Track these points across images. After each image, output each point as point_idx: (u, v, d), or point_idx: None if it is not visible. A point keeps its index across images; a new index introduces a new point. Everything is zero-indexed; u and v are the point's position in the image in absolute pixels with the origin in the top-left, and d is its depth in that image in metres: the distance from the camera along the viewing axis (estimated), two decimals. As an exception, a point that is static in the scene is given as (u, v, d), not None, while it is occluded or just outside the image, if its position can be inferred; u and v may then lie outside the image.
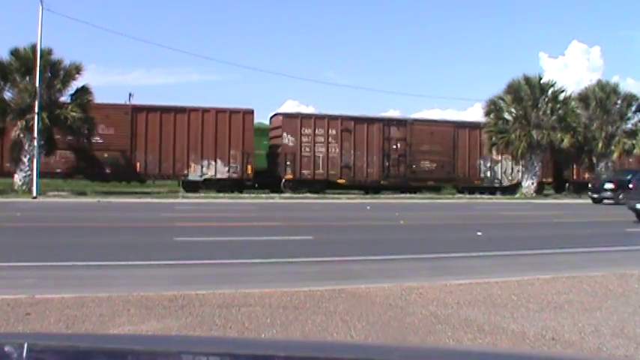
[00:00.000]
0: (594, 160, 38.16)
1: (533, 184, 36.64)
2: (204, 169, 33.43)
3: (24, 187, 28.70)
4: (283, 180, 34.22)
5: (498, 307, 6.88)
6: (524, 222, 20.53)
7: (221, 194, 32.42)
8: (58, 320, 5.90)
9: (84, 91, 30.39)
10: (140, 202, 26.26)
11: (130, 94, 47.53)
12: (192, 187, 33.05)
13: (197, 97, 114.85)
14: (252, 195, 31.80)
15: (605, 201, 30.19)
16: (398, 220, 18.97)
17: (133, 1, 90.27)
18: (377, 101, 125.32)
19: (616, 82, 40.45)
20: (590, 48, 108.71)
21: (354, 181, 35.50)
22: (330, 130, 34.89)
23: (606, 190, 30.75)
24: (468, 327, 5.96)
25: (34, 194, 27.12)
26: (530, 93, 36.30)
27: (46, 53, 28.93)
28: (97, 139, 31.58)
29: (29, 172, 28.63)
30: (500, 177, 38.26)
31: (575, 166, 39.63)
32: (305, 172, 34.49)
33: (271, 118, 37.52)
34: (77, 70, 30.24)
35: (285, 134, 34.38)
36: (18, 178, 29.30)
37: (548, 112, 36.54)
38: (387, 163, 35.91)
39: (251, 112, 34.50)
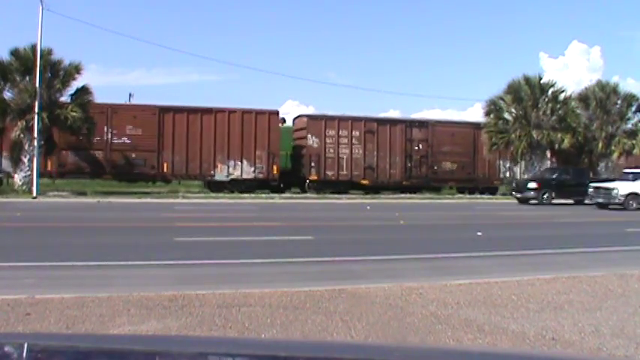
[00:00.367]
0: (594, 160, 38.14)
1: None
2: (230, 169, 33.66)
3: (24, 187, 28.70)
4: (308, 181, 34.64)
5: (498, 307, 6.88)
6: (524, 222, 20.53)
7: (221, 194, 32.45)
8: (58, 320, 5.90)
9: (84, 91, 30.39)
10: (140, 203, 26.26)
11: (130, 94, 47.59)
12: (217, 187, 33.29)
13: (197, 97, 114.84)
14: (252, 195, 31.81)
15: (532, 201, 29.39)
16: (398, 220, 18.97)
17: (133, 1, 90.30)
18: (377, 101, 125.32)
19: (616, 82, 40.38)
20: (590, 48, 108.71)
21: (377, 182, 35.86)
22: (353, 132, 35.33)
23: (529, 189, 30.00)
24: (468, 327, 5.96)
25: (34, 194, 27.13)
26: (530, 93, 36.28)
27: (46, 53, 28.93)
28: (124, 139, 31.96)
29: (29, 172, 28.63)
30: (519, 177, 38.65)
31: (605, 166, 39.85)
32: (329, 173, 34.86)
33: (295, 119, 37.97)
34: (77, 70, 30.23)
35: (309, 135, 34.76)
36: (18, 178, 29.30)
37: (548, 112, 36.51)
38: (409, 164, 36.34)
39: (276, 113, 35.00)
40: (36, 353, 1.96)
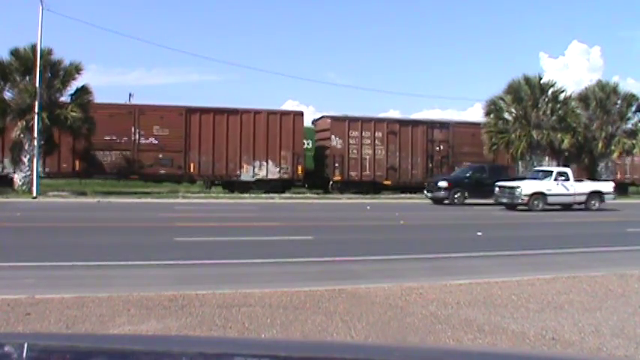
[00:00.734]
0: (594, 160, 38.15)
1: (533, 184, 36.65)
2: (256, 169, 33.90)
3: (24, 187, 28.70)
4: (331, 181, 34.97)
5: (498, 307, 6.88)
6: (524, 222, 20.54)
7: (221, 194, 32.46)
8: (58, 320, 5.90)
9: (84, 91, 30.38)
10: (140, 202, 26.27)
11: (130, 94, 47.61)
12: (242, 187, 33.40)
13: (197, 97, 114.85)
14: (253, 195, 31.82)
15: (445, 201, 27.87)
16: (398, 220, 18.98)
17: (133, 1, 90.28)
18: (377, 101, 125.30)
19: (616, 82, 40.34)
20: (590, 48, 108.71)
21: (399, 182, 36.22)
22: (376, 133, 35.69)
23: (440, 188, 28.27)
24: (468, 327, 5.96)
25: (34, 194, 27.13)
26: (530, 93, 36.27)
27: (46, 53, 28.92)
28: (151, 139, 32.21)
29: (29, 172, 28.63)
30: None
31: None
32: (352, 173, 35.18)
33: (317, 120, 38.25)
34: (77, 70, 30.23)
35: (333, 136, 35.08)
36: (18, 178, 29.30)
37: (548, 112, 36.50)
38: (430, 165, 36.71)
39: (301, 114, 35.31)
40: (36, 353, 1.96)
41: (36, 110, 27.82)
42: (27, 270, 9.29)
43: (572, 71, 77.13)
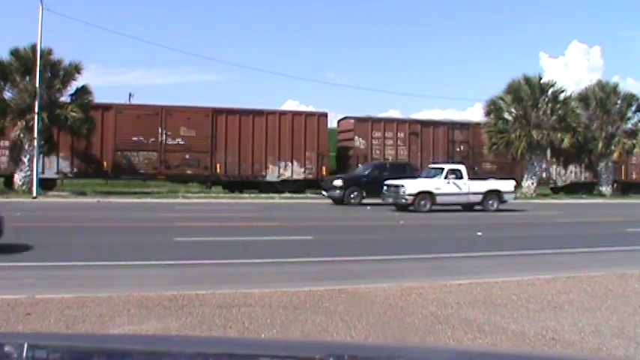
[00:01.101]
0: (594, 160, 38.17)
1: (533, 184, 36.66)
2: (281, 170, 34.16)
3: (24, 187, 28.69)
4: None
5: (498, 307, 6.88)
6: (524, 222, 20.54)
7: (221, 194, 32.46)
8: (58, 320, 5.90)
9: (84, 91, 30.38)
10: (140, 202, 26.26)
11: (130, 94, 47.63)
12: (267, 188, 33.62)
13: (197, 97, 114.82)
14: (252, 195, 31.84)
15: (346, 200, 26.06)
16: (398, 220, 18.97)
17: (133, 1, 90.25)
18: (377, 101, 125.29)
19: (616, 82, 40.41)
20: (590, 48, 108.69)
21: None
22: (398, 133, 36.11)
23: (335, 187, 26.83)
24: (468, 327, 5.96)
25: (34, 194, 27.12)
26: (530, 93, 36.28)
27: (46, 53, 28.91)
28: (178, 140, 32.50)
29: (29, 172, 28.63)
30: (554, 177, 39.61)
31: (623, 167, 39.85)
32: None
33: (340, 121, 38.59)
34: (77, 70, 30.22)
35: (356, 137, 35.49)
36: (18, 178, 29.29)
37: (548, 112, 36.51)
38: None
39: (325, 115, 35.66)
40: (36, 353, 1.96)
41: (36, 110, 27.82)
42: (27, 270, 9.29)
43: (572, 71, 77.16)
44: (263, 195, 32.19)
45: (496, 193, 24.16)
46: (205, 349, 2.10)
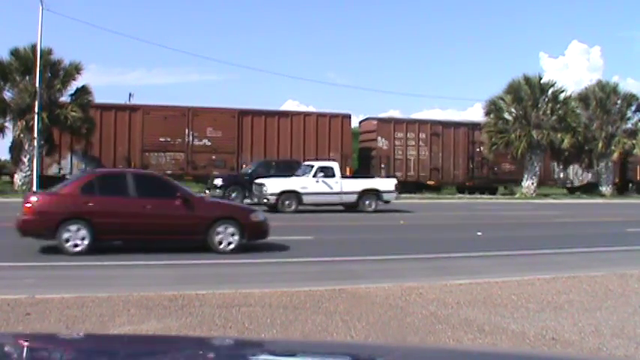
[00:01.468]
0: (594, 160, 38.17)
1: (533, 184, 36.67)
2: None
3: (24, 187, 28.68)
4: None
5: (498, 307, 6.88)
6: (524, 222, 20.53)
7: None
8: (58, 320, 5.90)
9: (84, 91, 30.38)
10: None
11: (130, 94, 47.62)
12: None
13: (197, 97, 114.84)
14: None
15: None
16: (398, 220, 18.97)
17: (133, 1, 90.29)
18: (377, 101, 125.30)
19: (616, 82, 40.45)
20: (590, 48, 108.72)
21: (442, 182, 37.17)
22: (420, 134, 36.55)
23: (215, 187, 25.10)
24: (468, 327, 5.96)
25: (34, 194, 27.10)
26: (530, 93, 36.28)
27: (46, 53, 28.91)
28: (205, 141, 32.82)
29: (29, 172, 28.62)
30: (572, 178, 39.91)
31: (639, 167, 40.16)
32: (398, 174, 35.63)
33: (362, 122, 38.89)
34: (77, 70, 30.22)
35: (379, 138, 35.90)
36: (18, 178, 29.29)
37: (548, 112, 36.52)
38: (471, 165, 37.66)
39: (349, 117, 36.08)
40: (36, 353, 1.96)
41: (36, 110, 27.81)
42: (27, 270, 9.29)
43: (572, 71, 77.19)
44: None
45: (374, 193, 22.48)
46: (205, 349, 2.10)
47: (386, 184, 23.38)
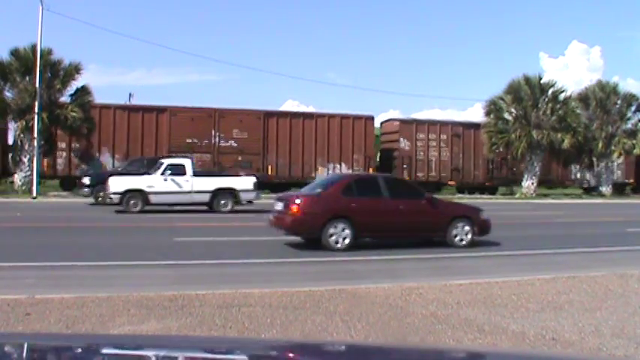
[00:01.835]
0: (594, 160, 38.17)
1: (533, 184, 36.67)
2: (330, 171, 34.82)
3: (24, 188, 28.68)
4: None
5: (498, 307, 6.88)
6: (524, 222, 20.52)
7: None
8: (58, 320, 5.90)
9: (84, 91, 30.38)
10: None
11: (130, 94, 47.66)
12: None
13: (197, 97, 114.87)
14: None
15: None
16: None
17: (133, 1, 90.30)
18: (377, 101, 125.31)
19: (616, 82, 40.41)
20: (590, 48, 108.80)
21: (463, 182, 37.63)
22: (441, 135, 37.10)
23: (84, 185, 23.86)
24: (468, 327, 5.96)
25: (34, 194, 27.11)
26: (530, 93, 36.28)
27: (46, 53, 28.91)
28: (231, 142, 33.24)
29: (29, 173, 28.62)
30: (588, 178, 40.16)
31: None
32: (420, 174, 36.43)
33: (383, 123, 39.27)
34: (77, 70, 30.22)
35: (401, 139, 36.43)
36: (18, 178, 29.29)
37: (548, 112, 36.52)
38: (491, 166, 38.14)
39: (372, 119, 36.58)
40: (36, 353, 1.96)
41: (36, 110, 27.81)
42: (27, 270, 9.29)
43: (572, 71, 77.27)
44: (263, 195, 32.22)
45: (229, 192, 21.25)
46: (205, 349, 2.10)
47: (243, 183, 21.85)
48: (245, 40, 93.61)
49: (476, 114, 67.75)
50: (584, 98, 38.14)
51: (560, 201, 34.03)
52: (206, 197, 20.96)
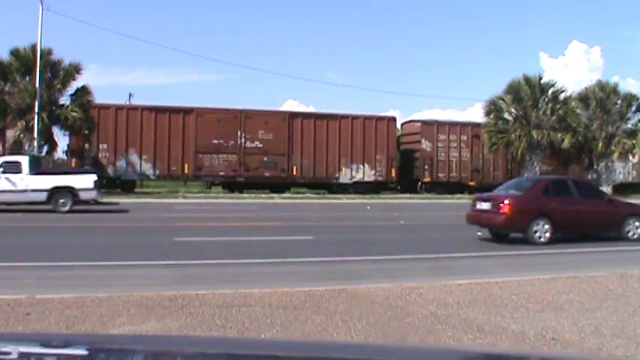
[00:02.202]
0: (594, 160, 38.17)
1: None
2: (353, 172, 35.37)
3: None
4: (420, 182, 36.76)
5: (498, 307, 6.88)
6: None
7: (221, 194, 32.50)
8: (58, 320, 5.90)
9: (84, 91, 30.39)
10: (140, 202, 26.25)
11: (130, 95, 47.71)
12: (340, 189, 34.52)
13: (197, 97, 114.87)
14: (252, 195, 31.89)
15: None
16: (398, 220, 18.97)
17: (133, 1, 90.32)
18: (377, 101, 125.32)
19: (616, 82, 40.40)
20: (590, 48, 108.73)
21: (482, 183, 37.73)
22: (461, 136, 37.58)
23: None
24: (468, 327, 5.96)
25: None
26: (530, 93, 36.28)
27: (46, 53, 28.92)
28: (256, 143, 33.57)
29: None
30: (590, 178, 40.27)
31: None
32: (440, 175, 37.05)
33: (404, 124, 39.67)
34: (77, 70, 30.23)
35: (423, 140, 36.94)
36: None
37: (548, 112, 36.51)
38: (509, 167, 38.50)
39: (394, 120, 37.24)
40: (36, 353, 1.96)
41: (36, 110, 27.81)
42: (27, 270, 9.29)
43: (572, 71, 77.22)
44: (263, 195, 32.29)
45: (68, 191, 20.24)
46: (205, 349, 2.10)
47: (83, 181, 20.67)
48: (245, 40, 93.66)
49: (476, 114, 67.79)
50: (584, 98, 38.13)
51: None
52: (43, 196, 20.07)
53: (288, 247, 12.28)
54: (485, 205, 14.17)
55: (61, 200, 20.18)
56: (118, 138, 31.53)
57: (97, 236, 14.01)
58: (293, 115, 35.03)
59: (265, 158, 33.65)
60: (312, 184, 35.26)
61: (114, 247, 11.90)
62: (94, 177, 21.18)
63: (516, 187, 15.38)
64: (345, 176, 35.20)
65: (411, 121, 39.21)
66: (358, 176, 35.36)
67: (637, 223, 14.61)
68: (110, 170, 31.50)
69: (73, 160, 31.38)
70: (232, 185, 34.00)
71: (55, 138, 30.34)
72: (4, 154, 30.31)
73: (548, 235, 13.33)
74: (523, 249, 12.64)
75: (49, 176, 20.76)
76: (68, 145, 31.90)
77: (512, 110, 37.05)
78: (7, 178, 19.85)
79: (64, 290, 7.29)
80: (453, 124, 38.02)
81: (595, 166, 38.37)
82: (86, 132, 29.94)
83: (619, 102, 38.19)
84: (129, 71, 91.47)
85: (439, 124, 37.68)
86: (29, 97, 28.34)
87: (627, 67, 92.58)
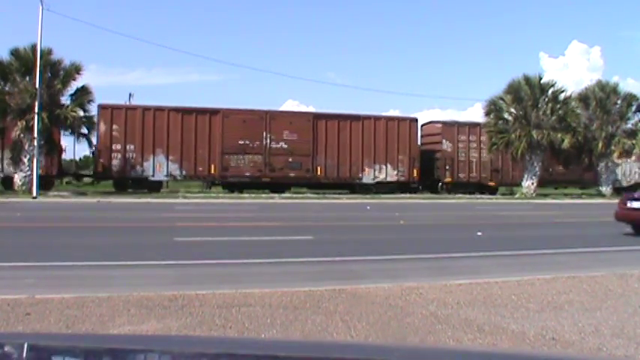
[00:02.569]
0: (594, 160, 38.18)
1: (533, 184, 36.68)
2: (376, 172, 35.85)
3: (24, 188, 28.70)
4: (441, 182, 37.32)
5: (498, 307, 6.88)
6: (524, 222, 20.53)
7: (221, 194, 32.52)
8: (58, 320, 5.90)
9: (84, 91, 30.42)
10: (140, 202, 26.26)
11: (130, 94, 47.74)
12: (363, 189, 34.91)
13: (197, 97, 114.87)
14: (252, 195, 31.90)
15: None
16: (398, 220, 18.97)
17: (133, 1, 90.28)
18: (377, 101, 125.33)
19: (616, 82, 40.50)
20: (590, 48, 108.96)
21: (502, 183, 38.70)
22: (481, 137, 37.95)
23: None
24: (468, 327, 5.96)
25: (34, 194, 27.12)
26: (530, 93, 36.30)
27: (46, 53, 28.93)
28: (281, 144, 34.05)
29: (29, 173, 28.63)
30: (619, 178, 40.96)
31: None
32: (461, 175, 37.61)
33: (424, 125, 39.92)
34: (77, 70, 30.26)
35: (444, 140, 37.51)
36: (18, 178, 29.30)
37: (548, 112, 36.54)
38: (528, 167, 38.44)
39: (416, 121, 37.93)
40: (36, 353, 1.96)
41: (36, 110, 27.82)
42: (27, 270, 9.29)
43: (572, 71, 77.34)
44: (263, 195, 32.31)
45: None
46: (205, 349, 2.10)
47: None
48: (245, 40, 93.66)
49: (476, 114, 67.79)
50: (584, 98, 38.16)
51: (561, 201, 34.03)
52: None
53: (288, 247, 12.28)
54: (635, 204, 15.58)
55: None
56: (145, 139, 31.89)
57: (97, 236, 14.00)
58: (317, 116, 35.50)
59: (290, 159, 34.12)
60: (336, 184, 35.62)
61: (114, 247, 11.90)
62: None
63: None
64: (368, 176, 35.63)
65: (431, 122, 39.68)
66: (381, 176, 35.81)
67: None
68: (138, 171, 31.80)
69: (101, 161, 31.52)
70: (258, 186, 34.30)
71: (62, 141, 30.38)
72: (4, 154, 30.44)
73: None
74: (523, 249, 12.63)
75: None
76: (95, 146, 32.07)
77: (512, 110, 37.09)
78: None
79: (64, 290, 7.28)
80: (472, 125, 38.44)
81: (595, 166, 38.43)
82: (85, 132, 29.94)
83: (619, 102, 38.24)
84: (129, 71, 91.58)
85: (459, 125, 38.18)
86: (29, 97, 28.35)
87: (627, 67, 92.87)
